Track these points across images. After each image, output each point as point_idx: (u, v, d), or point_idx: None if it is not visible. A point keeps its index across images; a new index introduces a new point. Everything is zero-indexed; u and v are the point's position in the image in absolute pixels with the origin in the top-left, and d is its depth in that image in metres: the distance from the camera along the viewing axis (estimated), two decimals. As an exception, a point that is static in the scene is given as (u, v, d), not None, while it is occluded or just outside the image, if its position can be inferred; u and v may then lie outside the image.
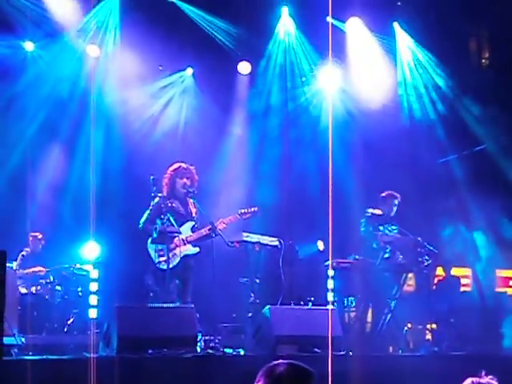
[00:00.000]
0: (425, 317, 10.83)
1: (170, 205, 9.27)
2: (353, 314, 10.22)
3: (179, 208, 9.43)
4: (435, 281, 11.98)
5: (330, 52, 11.47)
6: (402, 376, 8.28)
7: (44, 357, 7.62)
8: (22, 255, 11.55)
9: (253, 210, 9.51)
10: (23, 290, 10.84)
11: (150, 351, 7.66)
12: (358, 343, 9.59)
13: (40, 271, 11.19)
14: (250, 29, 12.83)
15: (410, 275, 10.90)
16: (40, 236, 11.79)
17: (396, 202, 10.58)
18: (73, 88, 12.50)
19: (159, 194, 9.27)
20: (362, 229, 10.52)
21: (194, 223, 9.44)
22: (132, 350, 7.59)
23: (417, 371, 8.41)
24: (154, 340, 7.77)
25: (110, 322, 7.94)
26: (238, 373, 7.60)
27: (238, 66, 13.29)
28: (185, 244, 9.28)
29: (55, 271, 11.37)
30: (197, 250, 9.38)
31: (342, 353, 8.40)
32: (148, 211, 9.37)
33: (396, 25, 12.89)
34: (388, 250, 10.34)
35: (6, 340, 7.96)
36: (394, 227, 10.51)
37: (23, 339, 8.53)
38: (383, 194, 10.62)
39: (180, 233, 9.25)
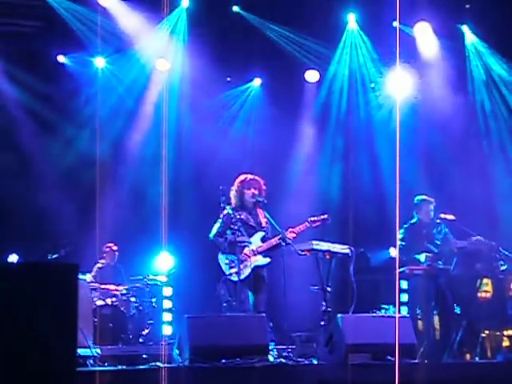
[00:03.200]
0: (502, 323, 10.61)
1: (239, 216, 9.27)
2: (427, 322, 10.07)
3: (249, 219, 9.42)
4: (512, 286, 11.74)
5: (398, 57, 11.37)
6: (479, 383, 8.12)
7: (118, 367, 7.72)
8: (98, 267, 11.74)
9: (323, 217, 9.41)
10: (99, 302, 11.02)
11: (222, 361, 7.67)
12: (433, 351, 9.47)
13: (116, 290, 11.33)
14: (316, 36, 12.82)
15: (486, 281, 10.69)
16: (115, 247, 11.97)
17: (431, 207, 10.40)
18: (143, 101, 12.74)
19: (228, 206, 9.27)
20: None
21: (264, 234, 9.41)
22: (204, 359, 7.60)
23: (494, 379, 8.23)
24: (226, 349, 7.76)
25: (182, 333, 7.99)
26: (311, 382, 7.58)
27: (306, 75, 13.30)
28: (255, 255, 9.27)
29: (129, 283, 11.54)
30: (268, 260, 9.36)
31: (415, 361, 8.28)
32: (218, 224, 9.37)
33: (465, 28, 12.73)
34: (462, 256, 10.18)
35: (82, 351, 8.12)
36: (436, 229, 10.33)
37: (98, 350, 8.65)
38: (416, 200, 10.49)
39: (250, 242, 9.26)
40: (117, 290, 11.27)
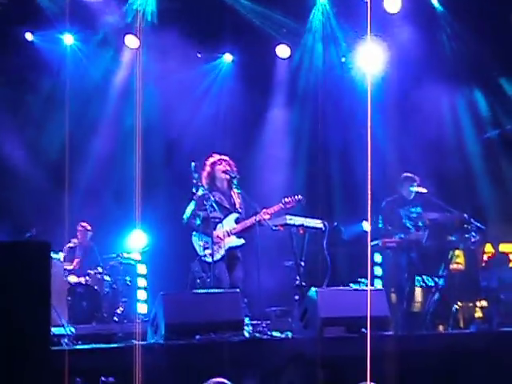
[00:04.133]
0: (474, 294, 10.72)
1: (213, 198, 9.24)
2: (400, 294, 10.14)
3: (222, 200, 9.39)
4: (484, 258, 11.86)
5: (369, 30, 11.35)
6: (452, 354, 8.19)
7: (92, 346, 7.71)
8: (70, 247, 11.69)
9: (297, 198, 9.42)
10: (73, 281, 10.98)
11: (197, 337, 7.70)
12: (406, 323, 9.54)
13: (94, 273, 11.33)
14: (287, 11, 12.74)
15: (458, 253, 10.79)
16: (89, 226, 11.92)
17: (415, 184, 10.46)
18: (112, 78, 12.64)
19: (201, 188, 9.22)
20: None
21: (238, 215, 9.40)
22: (179, 336, 7.63)
23: (467, 349, 8.31)
24: (201, 325, 7.79)
25: (157, 310, 7.99)
26: (286, 355, 7.62)
27: (277, 50, 13.25)
28: (229, 236, 9.27)
29: (103, 261, 11.49)
30: (242, 241, 9.36)
31: (389, 333, 8.35)
32: (191, 206, 9.34)
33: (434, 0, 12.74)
34: (434, 228, 10.26)
35: (56, 330, 8.10)
36: (414, 209, 10.42)
37: (73, 329, 8.64)
38: (402, 176, 10.56)
39: (223, 218, 9.23)
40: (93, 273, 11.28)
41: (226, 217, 9.31)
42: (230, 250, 9.30)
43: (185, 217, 9.39)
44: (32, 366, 5.43)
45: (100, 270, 11.38)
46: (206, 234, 9.13)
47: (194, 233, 9.31)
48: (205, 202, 9.11)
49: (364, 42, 12.41)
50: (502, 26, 12.42)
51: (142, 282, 11.98)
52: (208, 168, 9.49)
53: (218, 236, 9.19)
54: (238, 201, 9.48)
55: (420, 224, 10.40)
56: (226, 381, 5.38)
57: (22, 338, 5.43)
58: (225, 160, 9.50)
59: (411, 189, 10.41)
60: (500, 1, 12.19)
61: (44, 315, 5.70)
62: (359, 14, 11.14)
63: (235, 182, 9.39)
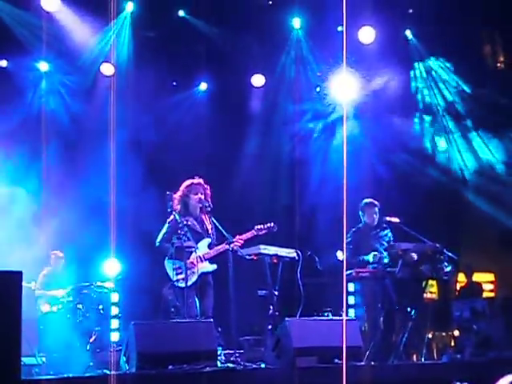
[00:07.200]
0: (447, 324, 10.76)
1: (185, 222, 9.24)
2: (374, 324, 10.15)
3: (195, 225, 9.40)
4: (457, 287, 11.92)
5: (344, 61, 11.47)
6: (425, 384, 8.22)
7: (64, 375, 7.64)
8: (44, 274, 11.59)
9: (269, 225, 9.46)
10: (44, 309, 10.87)
11: (169, 367, 7.65)
12: (379, 353, 9.53)
13: (60, 294, 11.20)
14: (262, 41, 12.88)
15: (432, 282, 10.82)
16: (61, 254, 11.83)
17: (376, 209, 10.48)
18: (88, 106, 12.63)
19: (174, 212, 9.24)
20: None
21: (210, 240, 9.41)
22: (152, 365, 7.57)
23: (440, 379, 8.33)
24: (174, 355, 7.74)
25: (129, 339, 7.94)
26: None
27: (252, 79, 13.35)
28: (202, 261, 9.26)
29: (76, 290, 11.39)
30: (214, 266, 9.35)
31: (362, 363, 8.35)
32: (164, 230, 9.34)
33: (408, 32, 12.89)
34: (406, 258, 10.27)
35: (27, 360, 8.01)
36: (382, 232, 10.44)
37: (44, 359, 8.55)
38: (362, 203, 10.57)
39: (197, 248, 9.22)
40: (59, 294, 11.14)
41: (198, 242, 9.30)
42: (203, 275, 9.28)
43: (157, 241, 9.38)
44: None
45: (72, 298, 11.26)
46: (180, 259, 9.12)
47: (166, 258, 9.29)
48: (179, 231, 9.10)
49: (339, 73, 12.53)
50: (476, 58, 12.63)
51: (114, 311, 11.88)
52: (182, 193, 9.48)
53: (191, 262, 9.18)
54: (209, 226, 9.49)
55: (393, 252, 10.41)
56: None
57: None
58: (200, 185, 9.50)
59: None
60: (474, 33, 12.39)
61: (14, 344, 5.66)
62: (335, 44, 11.27)
63: (207, 209, 9.40)
